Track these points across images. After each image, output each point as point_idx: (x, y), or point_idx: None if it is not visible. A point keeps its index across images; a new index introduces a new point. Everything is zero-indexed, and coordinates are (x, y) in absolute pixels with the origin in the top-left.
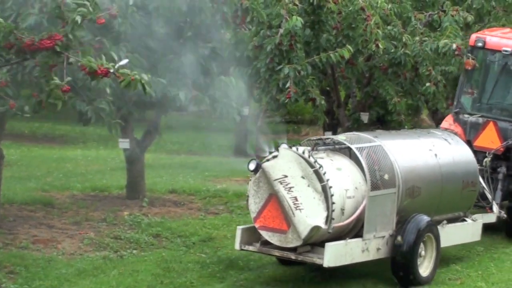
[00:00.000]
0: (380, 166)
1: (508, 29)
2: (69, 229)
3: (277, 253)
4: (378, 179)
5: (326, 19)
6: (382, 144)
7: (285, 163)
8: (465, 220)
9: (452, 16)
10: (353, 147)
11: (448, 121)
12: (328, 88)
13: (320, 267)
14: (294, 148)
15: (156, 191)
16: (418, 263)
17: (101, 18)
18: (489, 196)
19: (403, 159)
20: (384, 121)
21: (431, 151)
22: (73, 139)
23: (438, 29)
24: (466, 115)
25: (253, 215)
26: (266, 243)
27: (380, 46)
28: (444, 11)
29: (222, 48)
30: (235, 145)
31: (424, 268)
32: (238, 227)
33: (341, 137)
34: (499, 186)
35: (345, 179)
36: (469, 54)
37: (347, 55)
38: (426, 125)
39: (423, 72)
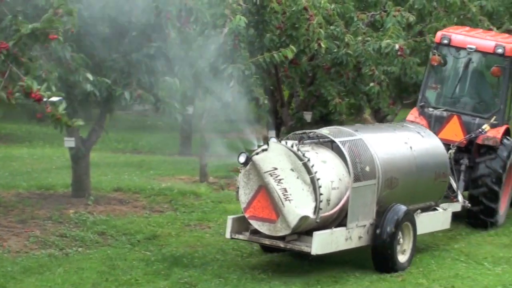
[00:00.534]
0: (361, 158)
1: (468, 28)
2: (15, 227)
3: (266, 241)
4: (360, 171)
5: (269, 19)
6: (362, 138)
7: (275, 156)
8: (436, 209)
9: (394, 16)
10: (337, 140)
11: (413, 114)
12: (271, 88)
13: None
14: (283, 142)
15: (102, 190)
16: (397, 250)
17: (53, 34)
18: (455, 186)
19: (382, 152)
20: (327, 120)
21: (406, 144)
22: (19, 138)
23: (381, 29)
24: (430, 109)
25: (243, 205)
26: (255, 232)
27: (323, 45)
28: (386, 12)
29: (166, 47)
30: (180, 143)
31: (402, 255)
32: (228, 216)
33: (324, 131)
34: (462, 177)
35: (330, 171)
36: (435, 51)
37: (290, 55)
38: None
39: (366, 72)
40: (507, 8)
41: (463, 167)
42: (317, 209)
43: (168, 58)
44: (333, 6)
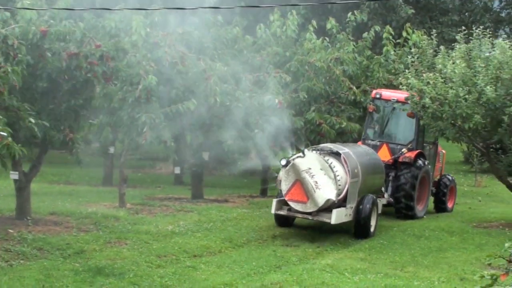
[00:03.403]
0: (352, 164)
1: (393, 90)
2: None
3: (299, 215)
4: (352, 172)
5: (176, 78)
6: (349, 151)
7: (310, 161)
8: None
9: (275, 77)
10: (341, 152)
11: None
12: (177, 133)
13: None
14: (314, 152)
15: (40, 213)
16: (371, 223)
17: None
18: (383, 189)
19: (360, 160)
20: (222, 159)
21: (367, 155)
22: None
23: (264, 87)
24: (370, 141)
25: (284, 192)
26: (290, 209)
27: (218, 99)
28: (268, 73)
29: (93, 99)
30: (103, 176)
31: (372, 226)
32: (273, 199)
33: (330, 146)
34: (390, 184)
35: (339, 171)
36: (371, 102)
37: (191, 107)
38: (253, 162)
39: (252, 121)
40: (363, 71)
41: (390, 178)
42: (337, 195)
43: (94, 108)
44: (226, 68)
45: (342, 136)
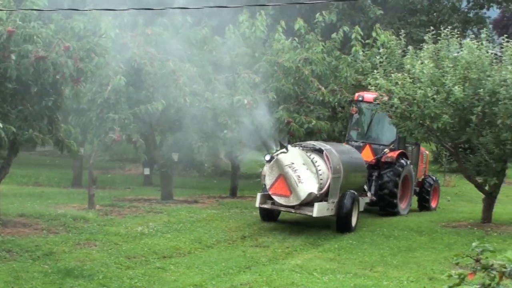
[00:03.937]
0: (334, 160)
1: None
2: None
3: (282, 208)
4: (334, 168)
5: (144, 79)
6: (331, 148)
7: (293, 156)
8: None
9: (244, 77)
10: (323, 148)
11: None
12: (146, 133)
13: None
14: (297, 147)
15: (9, 215)
16: (352, 218)
17: None
18: (366, 188)
19: (342, 157)
20: (192, 159)
21: (348, 154)
22: None
23: (233, 88)
24: (353, 142)
25: (268, 186)
26: (273, 203)
27: (187, 100)
28: (237, 74)
29: (62, 100)
30: (73, 178)
31: (353, 221)
32: (258, 193)
33: (313, 143)
34: (374, 183)
35: (320, 166)
36: (354, 105)
37: (160, 107)
38: (223, 164)
39: (221, 121)
40: (332, 71)
41: (374, 177)
42: (318, 189)
43: (63, 109)
44: (195, 69)
45: (311, 136)
